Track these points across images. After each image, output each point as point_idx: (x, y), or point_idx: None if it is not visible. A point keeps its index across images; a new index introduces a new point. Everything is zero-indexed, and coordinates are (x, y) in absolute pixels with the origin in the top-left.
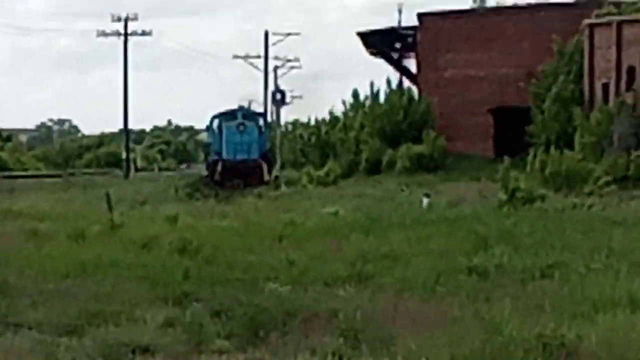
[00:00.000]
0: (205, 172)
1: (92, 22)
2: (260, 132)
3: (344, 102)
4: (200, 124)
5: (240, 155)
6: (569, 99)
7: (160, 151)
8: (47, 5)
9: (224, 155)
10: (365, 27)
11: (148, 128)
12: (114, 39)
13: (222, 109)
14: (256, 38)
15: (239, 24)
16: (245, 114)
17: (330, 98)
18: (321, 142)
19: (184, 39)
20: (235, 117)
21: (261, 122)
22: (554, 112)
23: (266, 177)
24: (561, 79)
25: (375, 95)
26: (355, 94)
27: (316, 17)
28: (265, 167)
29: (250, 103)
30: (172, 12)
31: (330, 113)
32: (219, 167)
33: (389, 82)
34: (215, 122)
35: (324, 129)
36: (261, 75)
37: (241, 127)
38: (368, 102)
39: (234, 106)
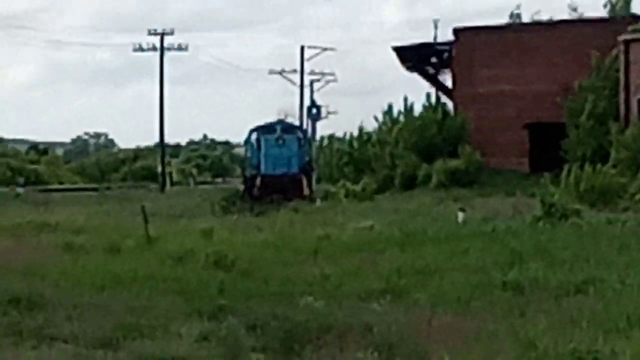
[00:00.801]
0: (241, 187)
1: (129, 37)
2: (300, 145)
3: (376, 118)
4: (236, 138)
5: (280, 169)
6: (604, 115)
7: (197, 165)
8: (83, 20)
9: (263, 169)
10: (401, 42)
11: (184, 142)
12: (150, 53)
13: (259, 123)
14: (292, 53)
15: (275, 38)
16: (284, 127)
17: (366, 113)
18: (357, 156)
19: (220, 53)
20: (274, 131)
21: (300, 135)
22: (589, 128)
23: (306, 191)
24: (595, 95)
25: (409, 110)
26: (390, 109)
27: (352, 32)
28: (305, 181)
29: (286, 117)
30: (208, 27)
31: (360, 129)
32: (258, 182)
33: (428, 96)
34: (254, 136)
35: (356, 144)
36: (297, 90)
37: (280, 141)
38: (402, 117)
39: (270, 120)
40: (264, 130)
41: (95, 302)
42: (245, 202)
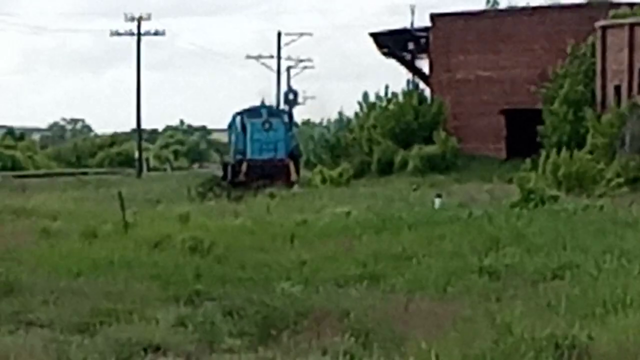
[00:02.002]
0: (220, 172)
1: (106, 22)
2: (287, 129)
3: (359, 103)
4: (213, 123)
5: (267, 154)
6: (579, 101)
7: (174, 151)
8: (61, 5)
9: (249, 154)
10: (380, 28)
11: (160, 128)
12: (127, 38)
13: (243, 107)
14: (270, 38)
15: (253, 24)
16: (270, 111)
17: (343, 99)
18: (334, 142)
19: (197, 39)
20: (260, 115)
21: (287, 119)
22: (564, 114)
23: (294, 177)
24: (570, 80)
25: (388, 97)
26: (365, 96)
27: (330, 17)
28: (292, 167)
29: (262, 101)
30: (186, 12)
31: (340, 114)
32: (244, 167)
33: (408, 83)
34: (239, 120)
35: (334, 129)
36: (274, 75)
37: (267, 125)
38: (383, 103)
39: (247, 106)
40: (249, 114)
41: (72, 288)
42: (224, 187)
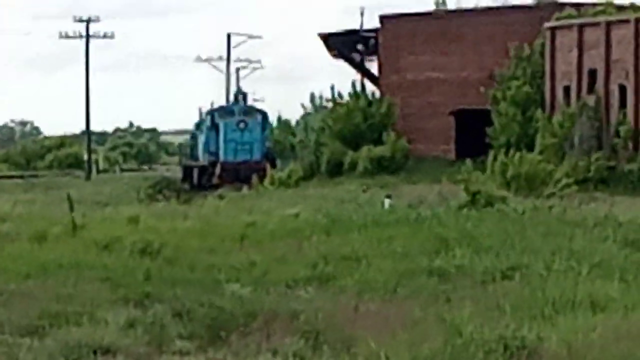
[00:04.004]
0: (169, 173)
1: (55, 24)
2: (262, 129)
3: (303, 105)
4: (162, 126)
5: (242, 156)
6: (526, 102)
7: (123, 153)
8: (9, 7)
9: (222, 156)
10: (329, 30)
11: (110, 130)
12: (76, 41)
13: (186, 110)
14: (220, 40)
15: (203, 26)
16: (244, 109)
17: (293, 100)
18: (282, 143)
19: (147, 41)
20: (233, 113)
21: (261, 118)
22: (512, 115)
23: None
24: (517, 82)
25: (335, 98)
26: (312, 98)
27: (280, 19)
28: (269, 169)
29: (212, 104)
30: (135, 14)
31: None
32: (218, 170)
33: (353, 84)
34: (209, 119)
35: (279, 132)
36: (224, 77)
37: (242, 124)
38: (330, 105)
39: (195, 108)
40: (221, 112)
41: (21, 290)
42: (171, 189)
